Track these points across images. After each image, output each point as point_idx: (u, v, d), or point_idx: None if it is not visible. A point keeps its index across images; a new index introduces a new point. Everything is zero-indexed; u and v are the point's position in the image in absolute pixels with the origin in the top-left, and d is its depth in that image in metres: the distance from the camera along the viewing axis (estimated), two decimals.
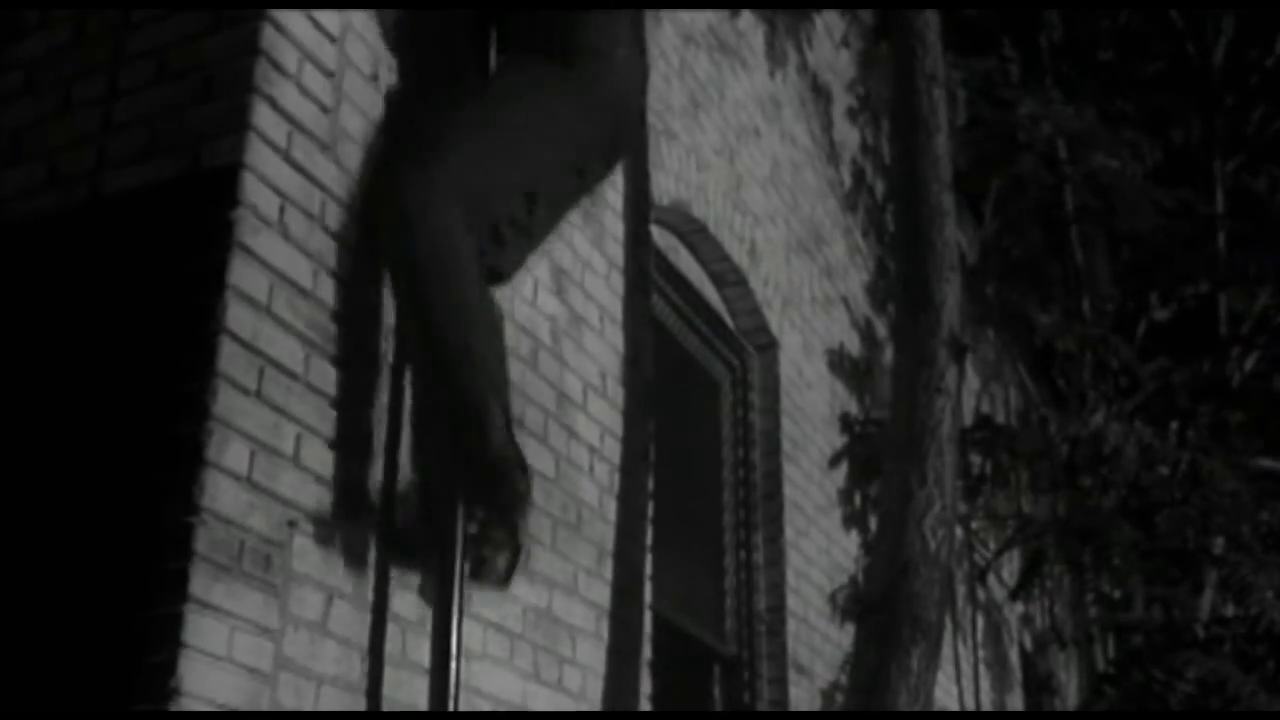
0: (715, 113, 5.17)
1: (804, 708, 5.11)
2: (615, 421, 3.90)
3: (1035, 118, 8.59)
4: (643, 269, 4.25)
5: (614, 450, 3.87)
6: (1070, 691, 9.85)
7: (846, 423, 6.21)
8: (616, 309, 4.02)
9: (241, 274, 2.52)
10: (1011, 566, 8.57)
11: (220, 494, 2.39)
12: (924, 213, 4.52)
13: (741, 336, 5.47)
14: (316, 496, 2.64)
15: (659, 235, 4.70)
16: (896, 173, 4.89)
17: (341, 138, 2.88)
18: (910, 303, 4.44)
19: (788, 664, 5.09)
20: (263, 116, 2.65)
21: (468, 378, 2.69)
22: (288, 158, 2.70)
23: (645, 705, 3.87)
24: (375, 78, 3.04)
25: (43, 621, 2.40)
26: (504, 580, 2.77)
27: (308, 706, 2.53)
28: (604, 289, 3.97)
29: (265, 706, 2.42)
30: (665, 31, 4.80)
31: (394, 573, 2.82)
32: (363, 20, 3.02)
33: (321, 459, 2.67)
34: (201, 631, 2.30)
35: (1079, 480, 7.87)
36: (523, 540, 2.76)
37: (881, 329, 6.79)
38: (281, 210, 2.66)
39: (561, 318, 3.68)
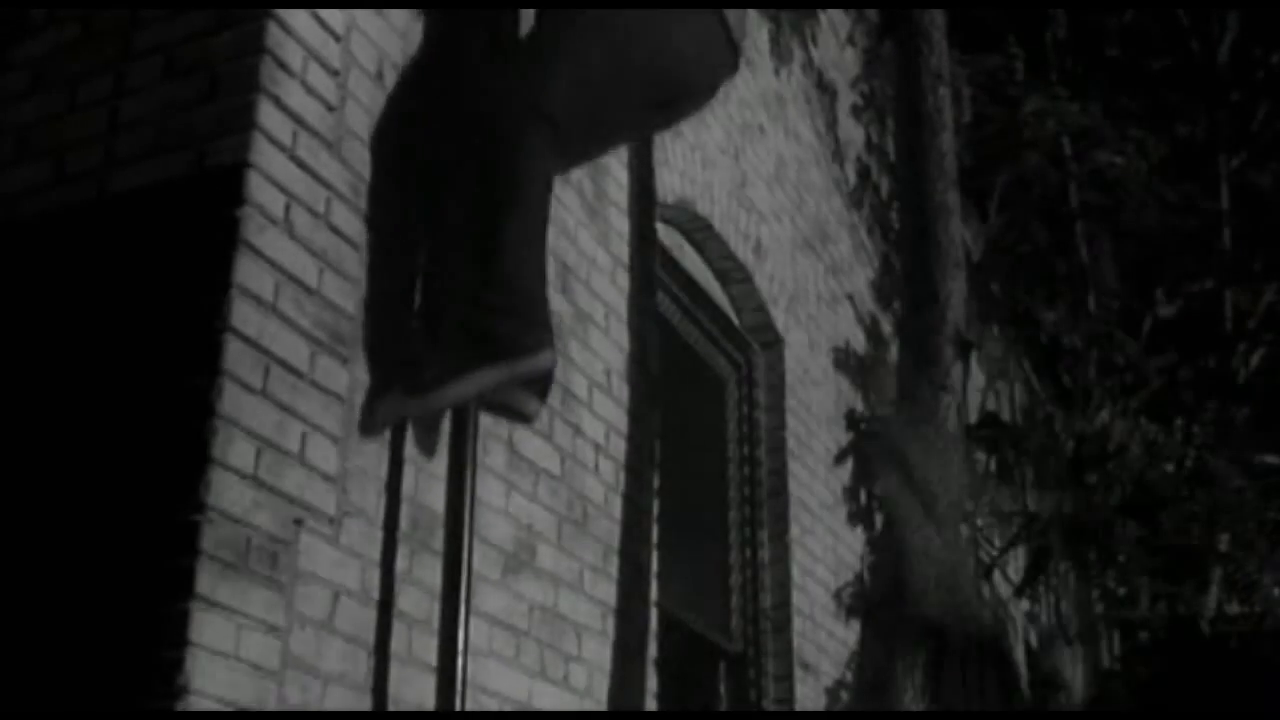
0: (720, 110, 5.16)
1: (810, 705, 5.11)
2: (621, 419, 3.90)
3: (1040, 114, 8.60)
4: (648, 266, 4.25)
5: (619, 448, 3.87)
6: (1076, 688, 9.86)
7: (852, 420, 6.21)
8: (622, 306, 4.02)
9: (247, 272, 2.53)
10: (1017, 563, 8.57)
11: (226, 492, 2.39)
12: (929, 210, 4.52)
13: (747, 333, 5.47)
14: (322, 494, 2.64)
15: (664, 233, 4.70)
16: (901, 170, 4.89)
17: (347, 136, 2.88)
18: (915, 299, 4.45)
19: (794, 661, 5.09)
20: (268, 115, 2.65)
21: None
22: (293, 156, 2.70)
23: (651, 703, 3.87)
24: (380, 76, 3.04)
25: (50, 620, 2.40)
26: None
27: (314, 705, 2.53)
28: (609, 287, 3.97)
29: (272, 704, 2.43)
30: None
31: (400, 570, 2.83)
32: (368, 19, 3.02)
33: (327, 456, 2.67)
34: (208, 629, 2.31)
35: (1084, 477, 7.88)
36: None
37: (887, 326, 6.79)
38: (287, 208, 2.66)
39: (567, 315, 3.68)
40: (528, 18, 3.25)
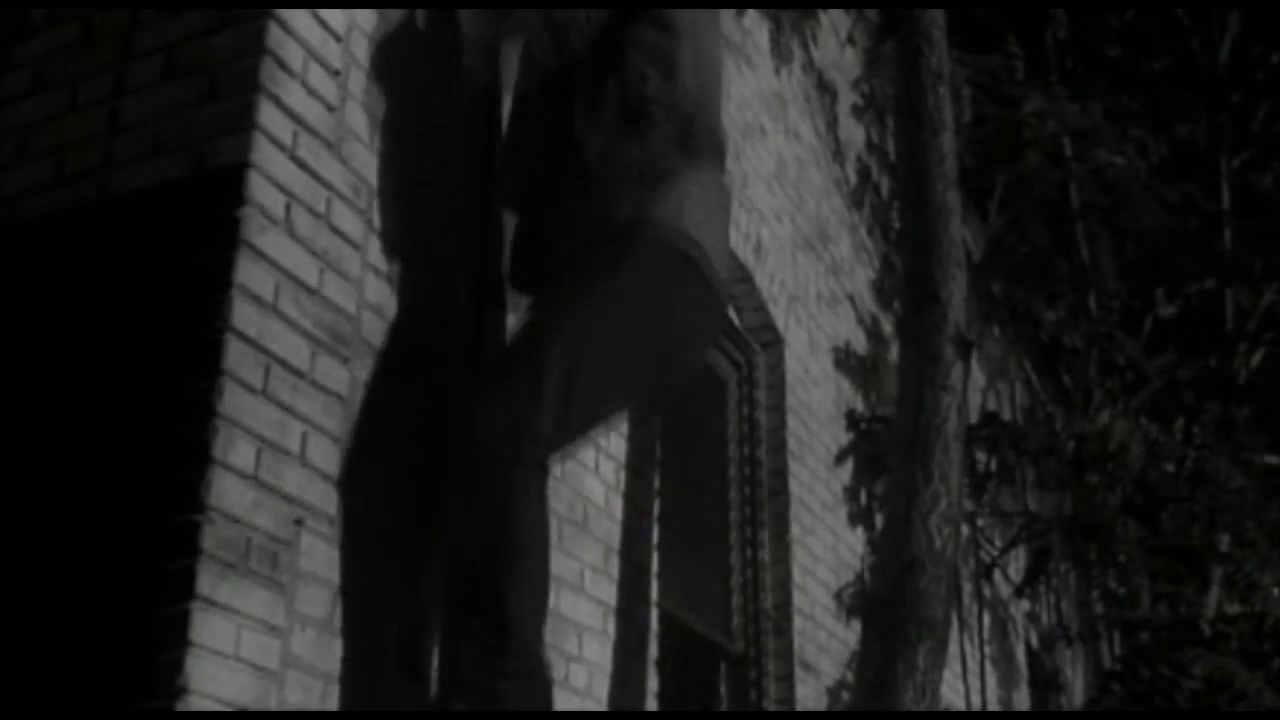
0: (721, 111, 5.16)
1: (810, 705, 5.11)
2: (621, 419, 3.90)
3: (1041, 114, 8.59)
4: None
5: (620, 448, 3.87)
6: (1077, 689, 9.86)
7: (852, 420, 6.21)
8: None
9: (248, 272, 2.52)
10: (1017, 564, 8.57)
11: (227, 492, 2.39)
12: (929, 210, 4.51)
13: (747, 334, 5.47)
14: (323, 494, 2.64)
15: None
16: (902, 170, 4.88)
17: (347, 136, 2.88)
18: (916, 299, 4.43)
19: (794, 661, 5.09)
20: (268, 115, 2.65)
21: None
22: (293, 156, 2.70)
23: (652, 703, 3.87)
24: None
25: (50, 621, 2.40)
26: None
27: (314, 705, 2.53)
28: None
29: (273, 705, 2.42)
30: None
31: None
32: (368, 19, 3.02)
33: (328, 456, 2.67)
34: (209, 630, 2.30)
35: (1085, 477, 7.87)
36: None
37: (887, 326, 6.79)
38: (287, 209, 2.66)
39: None
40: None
